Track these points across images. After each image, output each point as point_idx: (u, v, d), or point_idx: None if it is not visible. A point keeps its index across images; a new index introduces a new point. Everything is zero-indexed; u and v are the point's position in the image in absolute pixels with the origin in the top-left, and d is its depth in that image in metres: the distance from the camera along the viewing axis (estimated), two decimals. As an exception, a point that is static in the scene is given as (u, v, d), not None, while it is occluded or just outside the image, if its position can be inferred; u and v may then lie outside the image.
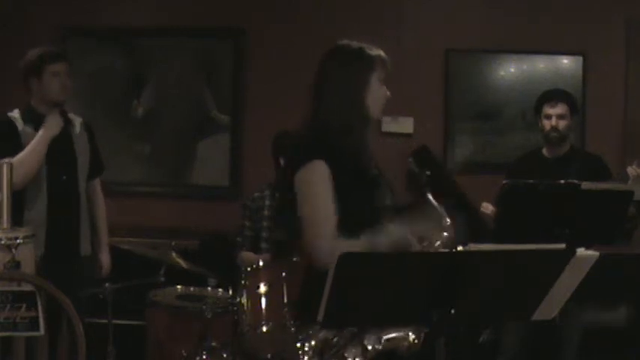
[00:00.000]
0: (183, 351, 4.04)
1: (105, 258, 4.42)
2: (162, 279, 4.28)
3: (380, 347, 2.70)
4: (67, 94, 4.22)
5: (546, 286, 2.34)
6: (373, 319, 2.48)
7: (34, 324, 3.09)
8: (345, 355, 2.68)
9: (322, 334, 2.72)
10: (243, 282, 3.87)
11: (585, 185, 3.77)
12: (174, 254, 4.36)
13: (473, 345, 4.86)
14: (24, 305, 3.08)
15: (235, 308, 3.92)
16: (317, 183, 2.80)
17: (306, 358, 2.72)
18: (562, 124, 4.45)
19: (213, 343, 3.95)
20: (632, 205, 3.97)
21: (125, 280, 4.27)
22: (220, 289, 4.31)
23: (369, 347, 2.69)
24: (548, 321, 2.48)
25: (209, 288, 4.35)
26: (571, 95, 4.70)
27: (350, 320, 2.45)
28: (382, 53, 2.92)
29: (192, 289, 4.39)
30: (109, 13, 6.01)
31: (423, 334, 2.77)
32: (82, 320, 3.14)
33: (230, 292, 4.15)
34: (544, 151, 4.56)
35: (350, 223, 2.80)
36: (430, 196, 2.95)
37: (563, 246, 2.32)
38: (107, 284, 4.22)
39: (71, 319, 3.11)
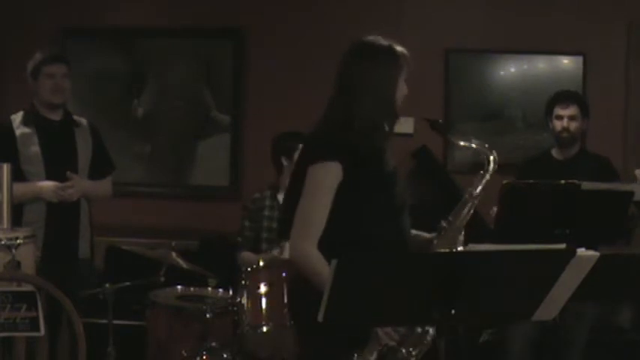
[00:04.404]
0: (183, 351, 4.04)
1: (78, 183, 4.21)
2: (163, 279, 4.28)
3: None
4: (63, 97, 4.22)
5: (546, 287, 2.34)
6: (373, 320, 2.48)
7: (34, 324, 3.09)
8: None
9: None
10: (243, 282, 3.88)
11: (585, 185, 3.77)
12: (174, 254, 4.35)
13: (473, 345, 4.86)
14: (24, 305, 3.08)
15: (235, 308, 3.92)
16: (325, 185, 2.80)
17: None
18: (573, 125, 4.45)
19: (213, 343, 3.95)
20: (633, 205, 3.97)
21: (125, 281, 4.27)
22: (220, 289, 4.30)
23: None
24: (552, 321, 2.48)
25: (209, 288, 4.34)
26: (582, 97, 4.71)
27: (350, 320, 2.44)
28: (405, 51, 2.93)
29: (192, 289, 4.38)
30: (109, 14, 6.01)
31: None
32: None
33: (230, 292, 4.15)
34: (554, 152, 4.55)
35: (370, 221, 2.83)
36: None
37: (563, 246, 2.32)
38: (107, 284, 4.21)
39: (71, 319, 3.11)
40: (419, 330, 2.75)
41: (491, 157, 2.98)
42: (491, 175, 2.98)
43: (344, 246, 2.75)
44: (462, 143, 3.10)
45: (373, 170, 2.87)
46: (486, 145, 3.03)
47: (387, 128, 2.93)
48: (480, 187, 2.96)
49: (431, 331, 2.77)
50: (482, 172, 2.99)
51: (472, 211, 2.94)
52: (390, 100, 2.89)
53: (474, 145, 3.05)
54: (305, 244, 2.78)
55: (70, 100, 4.34)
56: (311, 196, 2.81)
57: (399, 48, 2.91)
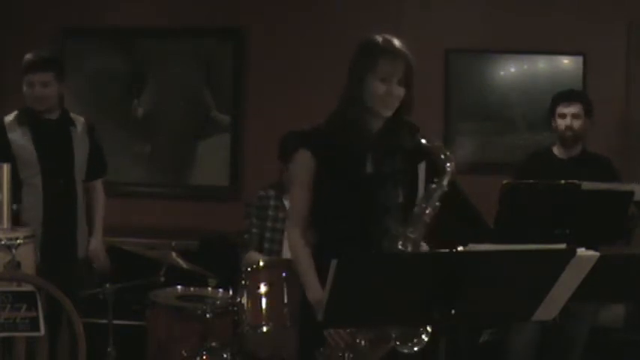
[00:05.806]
0: (183, 351, 4.04)
1: (99, 251, 4.36)
2: (163, 279, 4.28)
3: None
4: (46, 103, 4.17)
5: (546, 287, 2.34)
6: (373, 319, 2.48)
7: (34, 324, 3.10)
8: None
9: None
10: (243, 282, 3.88)
11: (585, 185, 3.77)
12: (174, 254, 4.35)
13: (473, 345, 4.86)
14: (24, 305, 3.08)
15: (235, 308, 3.92)
16: (298, 173, 2.92)
17: None
18: (576, 123, 4.41)
19: (213, 343, 3.96)
20: (633, 205, 3.97)
21: (125, 280, 4.27)
22: (220, 289, 4.30)
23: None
24: (552, 321, 2.47)
25: (209, 288, 4.34)
26: (586, 96, 4.66)
27: (350, 320, 2.45)
28: (393, 47, 2.80)
29: (192, 289, 4.38)
30: (108, 14, 6.01)
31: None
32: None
33: (230, 292, 4.15)
34: (555, 150, 4.52)
35: (334, 218, 2.85)
36: None
37: (563, 246, 2.32)
38: (107, 284, 4.22)
39: (71, 319, 3.12)
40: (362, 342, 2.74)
41: (448, 164, 2.75)
42: (445, 188, 2.77)
43: (330, 241, 2.82)
44: (422, 141, 2.80)
45: (342, 168, 2.84)
46: (447, 153, 2.77)
47: (357, 127, 2.83)
48: (432, 201, 2.78)
49: (363, 342, 2.75)
50: (433, 185, 2.80)
51: (429, 222, 2.77)
52: (354, 99, 2.81)
53: (431, 144, 2.80)
54: (289, 229, 2.97)
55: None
56: (292, 183, 3.00)
57: (374, 42, 2.81)
